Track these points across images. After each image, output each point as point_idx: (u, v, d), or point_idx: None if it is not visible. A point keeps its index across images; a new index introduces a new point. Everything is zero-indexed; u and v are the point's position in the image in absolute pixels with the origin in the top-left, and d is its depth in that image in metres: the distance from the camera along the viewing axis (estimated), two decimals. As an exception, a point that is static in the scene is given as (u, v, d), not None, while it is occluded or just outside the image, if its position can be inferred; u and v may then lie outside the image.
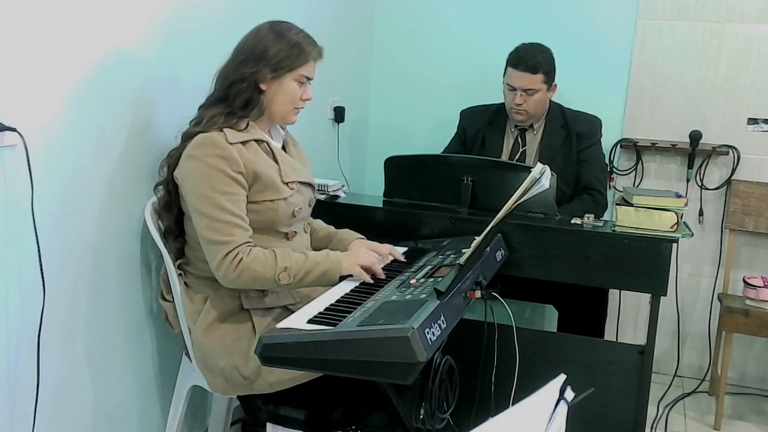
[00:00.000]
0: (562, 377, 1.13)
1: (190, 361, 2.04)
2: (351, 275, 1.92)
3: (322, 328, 1.54)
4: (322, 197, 2.60)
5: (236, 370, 1.89)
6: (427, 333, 1.49)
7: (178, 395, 2.19)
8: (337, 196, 2.67)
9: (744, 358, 3.35)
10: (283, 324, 1.59)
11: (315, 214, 2.28)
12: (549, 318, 3.26)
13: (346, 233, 2.26)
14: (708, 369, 3.34)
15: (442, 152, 3.13)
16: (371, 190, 2.87)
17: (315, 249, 2.22)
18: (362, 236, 2.25)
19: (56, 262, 1.77)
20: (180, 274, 2.01)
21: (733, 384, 3.34)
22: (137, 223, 2.06)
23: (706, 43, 3.19)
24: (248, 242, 1.86)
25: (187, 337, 2.02)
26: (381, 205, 2.63)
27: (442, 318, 1.59)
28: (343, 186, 2.75)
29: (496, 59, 2.93)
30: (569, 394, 1.10)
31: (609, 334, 2.94)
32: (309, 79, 2.01)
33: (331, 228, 2.29)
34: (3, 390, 1.66)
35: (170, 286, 2.03)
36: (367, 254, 1.96)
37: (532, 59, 2.79)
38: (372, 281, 1.90)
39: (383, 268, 2.00)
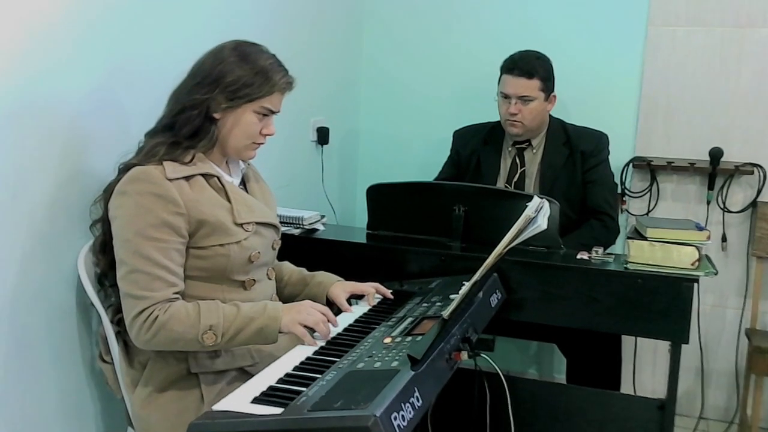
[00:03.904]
0: None
1: (135, 432, 1.76)
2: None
3: (266, 412, 1.25)
4: (296, 232, 2.32)
5: (181, 449, 1.60)
6: (395, 418, 1.19)
7: (125, 470, 1.91)
8: (315, 230, 2.39)
9: (777, 398, 3.02)
10: (221, 405, 1.29)
11: (288, 253, 2.01)
12: (559, 358, 2.95)
13: (324, 276, 1.99)
14: (736, 410, 3.01)
15: (436, 177, 2.85)
16: (363, 217, 2.60)
17: (288, 295, 1.97)
18: (341, 278, 1.99)
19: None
20: (119, 332, 1.72)
21: (766, 428, 2.99)
22: (71, 271, 1.77)
23: (726, 51, 2.90)
24: (171, 298, 1.58)
25: (129, 406, 1.74)
26: (363, 240, 2.36)
27: (417, 394, 1.29)
28: (323, 217, 2.47)
29: (497, 71, 2.64)
30: None
31: (626, 380, 2.61)
32: (273, 112, 1.73)
33: (305, 270, 2.02)
34: None
35: (108, 346, 1.75)
36: (311, 311, 1.64)
37: (527, 64, 2.55)
38: (315, 343, 1.59)
39: (372, 310, 1.79)
